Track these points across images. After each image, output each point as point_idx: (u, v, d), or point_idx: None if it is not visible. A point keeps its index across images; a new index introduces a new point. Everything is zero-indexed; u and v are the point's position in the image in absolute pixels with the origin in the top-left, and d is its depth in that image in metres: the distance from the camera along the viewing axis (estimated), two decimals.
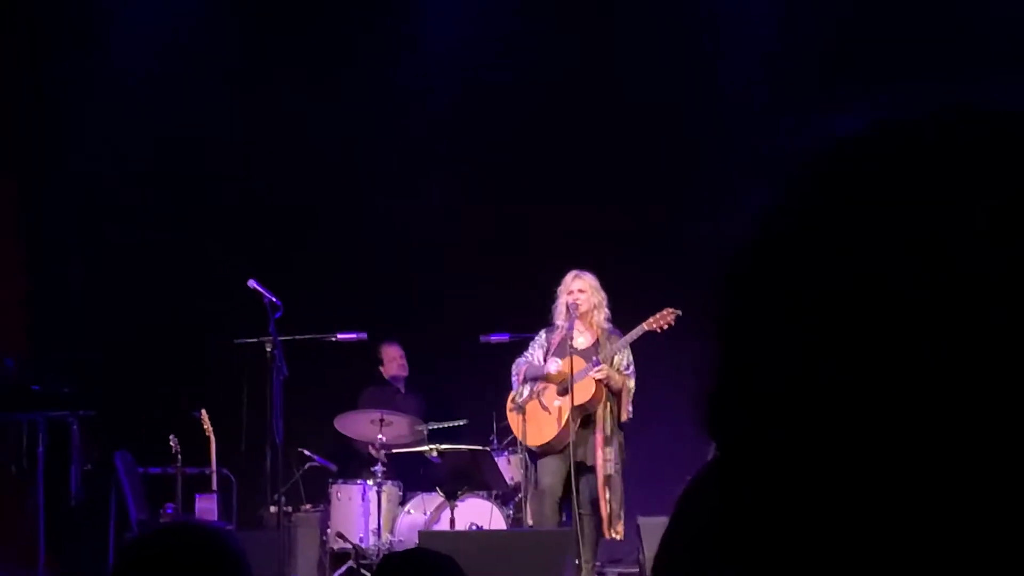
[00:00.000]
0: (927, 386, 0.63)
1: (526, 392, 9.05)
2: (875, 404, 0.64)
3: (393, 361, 11.05)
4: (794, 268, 0.68)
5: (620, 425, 8.96)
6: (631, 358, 8.96)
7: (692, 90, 11.73)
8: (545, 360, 9.02)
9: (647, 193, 11.53)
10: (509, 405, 9.15)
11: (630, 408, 8.90)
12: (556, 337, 9.01)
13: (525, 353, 9.15)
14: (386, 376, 11.06)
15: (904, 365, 0.63)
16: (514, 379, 9.12)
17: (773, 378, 0.67)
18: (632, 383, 8.91)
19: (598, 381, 8.78)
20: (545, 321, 9.12)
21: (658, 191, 11.51)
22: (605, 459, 8.82)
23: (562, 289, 9.00)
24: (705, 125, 11.60)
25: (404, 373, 11.06)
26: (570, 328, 8.80)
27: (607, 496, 8.78)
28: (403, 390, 11.03)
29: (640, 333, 8.85)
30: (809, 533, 0.66)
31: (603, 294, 8.99)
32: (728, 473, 0.71)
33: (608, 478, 8.81)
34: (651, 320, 8.84)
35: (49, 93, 11.86)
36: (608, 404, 8.90)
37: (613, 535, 8.84)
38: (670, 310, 8.82)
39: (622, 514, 8.83)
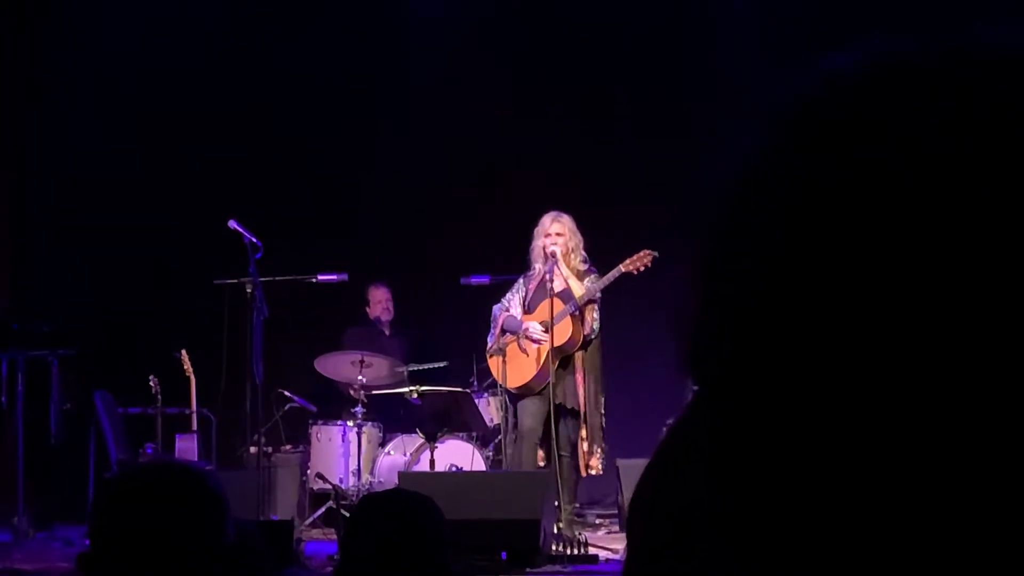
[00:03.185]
0: (920, 318, 0.62)
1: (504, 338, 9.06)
2: (865, 339, 0.63)
3: (379, 303, 11.06)
4: (783, 200, 0.67)
5: (600, 366, 8.97)
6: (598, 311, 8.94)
7: (687, 34, 11.66)
8: (523, 307, 9.00)
9: (628, 134, 11.51)
10: (488, 351, 9.16)
11: (596, 316, 8.86)
12: (533, 283, 8.99)
13: (503, 300, 9.11)
14: (371, 317, 11.08)
15: (896, 300, 0.63)
16: (492, 330, 9.10)
17: (758, 314, 0.66)
18: (596, 326, 8.89)
19: (575, 321, 8.77)
20: (527, 262, 9.09)
21: (640, 131, 11.49)
22: (584, 398, 8.84)
23: (539, 231, 8.94)
24: (693, 66, 11.54)
25: (389, 316, 11.08)
26: (549, 272, 8.78)
27: (583, 434, 8.81)
28: (387, 332, 11.04)
29: (617, 275, 8.81)
30: (795, 475, 0.65)
31: (580, 236, 8.96)
32: (709, 412, 0.71)
33: (585, 415, 8.83)
34: (628, 262, 8.80)
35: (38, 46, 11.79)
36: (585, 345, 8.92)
37: (590, 471, 8.87)
38: (647, 252, 8.78)
39: (596, 449, 8.85)
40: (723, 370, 0.69)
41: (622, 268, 8.79)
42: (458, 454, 9.39)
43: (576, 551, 7.98)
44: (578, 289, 8.80)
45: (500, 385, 9.06)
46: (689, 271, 0.71)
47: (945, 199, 0.63)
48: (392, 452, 9.79)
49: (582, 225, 9.04)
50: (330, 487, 9.55)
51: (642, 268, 8.76)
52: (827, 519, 0.65)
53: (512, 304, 9.05)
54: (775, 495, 0.66)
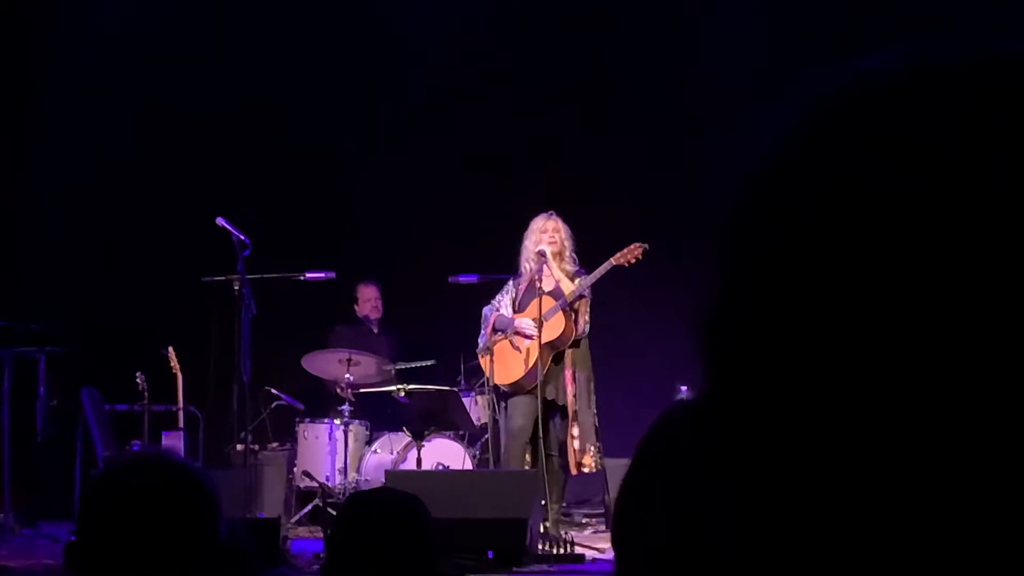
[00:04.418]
0: (941, 319, 0.63)
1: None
2: (887, 338, 0.63)
3: (368, 302, 11.05)
4: (811, 198, 0.67)
5: (591, 364, 8.95)
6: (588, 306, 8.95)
7: (683, 34, 11.64)
8: (514, 308, 8.99)
9: (619, 132, 11.51)
10: (479, 351, 9.15)
11: (587, 319, 8.87)
12: (524, 283, 8.98)
13: (493, 301, 9.10)
14: (359, 315, 11.06)
15: (921, 300, 0.63)
16: (483, 330, 9.09)
17: (780, 304, 0.66)
18: (586, 327, 8.89)
19: (566, 316, 8.77)
20: (515, 263, 9.08)
21: (631, 130, 11.48)
22: (573, 394, 8.83)
23: (534, 229, 8.92)
24: (688, 66, 11.52)
25: (377, 315, 11.06)
26: (539, 271, 8.76)
27: (575, 432, 8.80)
28: (375, 330, 11.03)
29: (608, 269, 8.79)
30: (808, 463, 0.65)
31: (571, 238, 8.96)
32: (724, 401, 0.70)
33: (575, 413, 8.82)
34: (618, 255, 8.78)
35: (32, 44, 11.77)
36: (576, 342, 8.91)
37: (583, 470, 8.86)
38: (637, 244, 8.77)
39: (589, 448, 8.84)
40: (743, 359, 0.68)
41: (612, 261, 8.78)
42: (445, 453, 9.38)
43: (562, 550, 7.97)
44: (569, 287, 8.79)
45: (489, 382, 9.04)
46: (709, 262, 0.71)
47: (982, 204, 0.63)
48: (379, 450, 9.77)
49: (572, 223, 9.03)
50: (317, 485, 9.53)
51: (633, 261, 8.76)
52: (833, 512, 0.65)
53: (502, 305, 9.04)
54: (786, 487, 0.66)
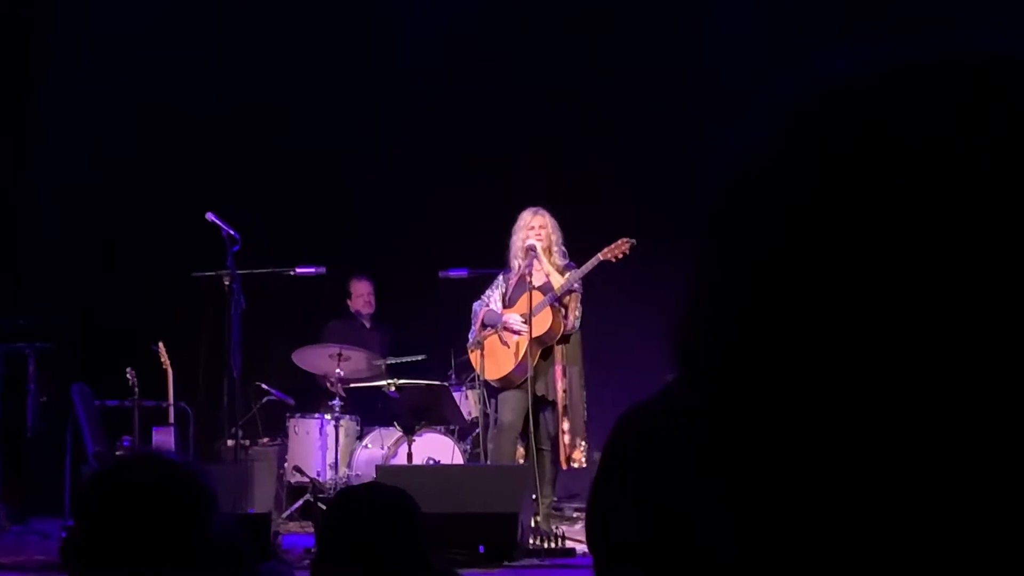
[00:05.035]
0: (921, 324, 0.63)
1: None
2: (865, 339, 0.63)
3: (360, 297, 11.05)
4: (788, 199, 0.67)
5: (582, 359, 8.95)
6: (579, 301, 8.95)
7: (682, 36, 11.64)
8: (504, 303, 9.00)
9: (610, 128, 11.51)
10: (469, 346, 9.15)
11: (578, 315, 8.86)
12: (514, 278, 8.99)
13: (483, 296, 9.11)
14: (352, 310, 11.07)
15: (899, 301, 0.63)
16: (474, 325, 9.09)
17: (760, 307, 0.66)
18: (576, 322, 8.89)
19: (555, 312, 8.77)
20: (505, 259, 9.08)
21: (624, 127, 11.49)
22: (563, 389, 8.83)
23: (519, 226, 8.93)
24: (681, 63, 11.52)
25: (370, 310, 11.07)
26: (529, 266, 8.76)
27: (565, 426, 8.80)
28: (368, 325, 11.03)
29: (595, 264, 8.80)
30: (814, 461, 0.65)
31: (560, 232, 8.96)
32: (703, 402, 0.70)
33: (565, 408, 8.82)
34: (606, 250, 8.81)
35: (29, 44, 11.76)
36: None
37: (572, 464, 8.86)
38: (625, 240, 8.79)
39: (579, 443, 8.84)
40: (723, 362, 0.68)
41: (600, 256, 8.80)
42: (436, 447, 9.38)
43: (553, 545, 7.99)
44: (558, 282, 8.80)
45: (479, 377, 9.05)
46: (686, 264, 0.71)
47: (951, 201, 0.63)
48: (369, 445, 9.78)
49: (572, 223, 9.04)
50: (307, 480, 9.54)
51: (620, 256, 8.78)
52: (825, 509, 0.65)
53: (492, 300, 9.05)
54: (769, 488, 0.65)
